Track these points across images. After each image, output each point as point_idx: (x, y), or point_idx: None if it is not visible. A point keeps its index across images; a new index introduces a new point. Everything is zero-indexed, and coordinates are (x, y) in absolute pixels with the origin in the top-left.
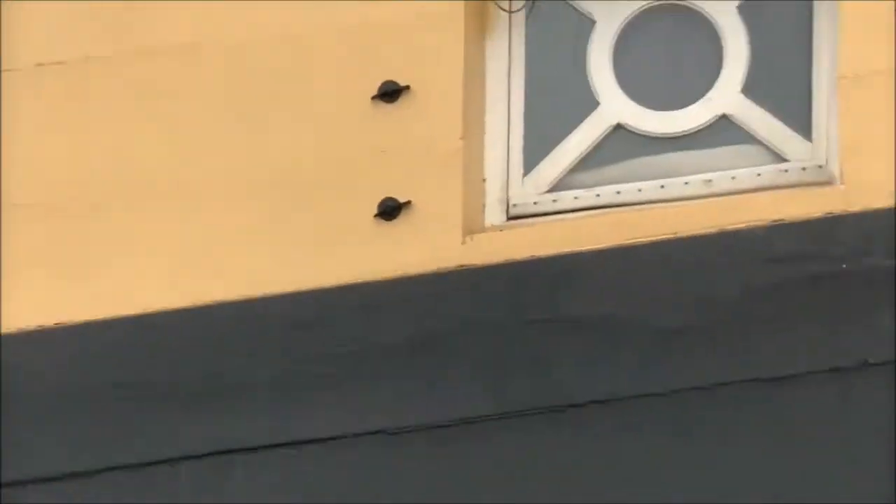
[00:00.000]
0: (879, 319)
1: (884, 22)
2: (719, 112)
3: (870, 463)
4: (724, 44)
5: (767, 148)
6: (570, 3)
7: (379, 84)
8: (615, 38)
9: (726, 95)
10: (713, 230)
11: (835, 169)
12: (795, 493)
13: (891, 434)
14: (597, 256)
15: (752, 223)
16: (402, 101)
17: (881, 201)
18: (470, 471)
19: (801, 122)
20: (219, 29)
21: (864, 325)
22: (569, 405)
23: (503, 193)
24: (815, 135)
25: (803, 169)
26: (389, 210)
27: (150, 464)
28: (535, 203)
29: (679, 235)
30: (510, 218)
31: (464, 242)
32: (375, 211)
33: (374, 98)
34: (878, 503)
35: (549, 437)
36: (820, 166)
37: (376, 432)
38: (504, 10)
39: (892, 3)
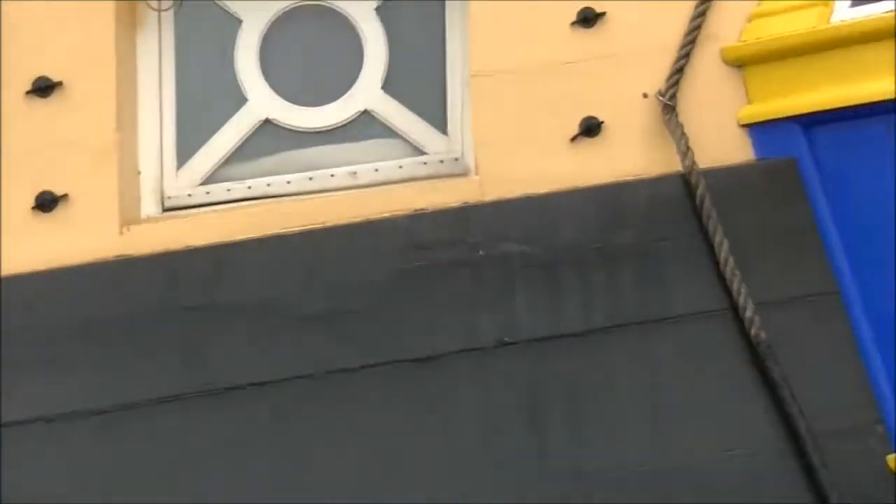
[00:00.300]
0: (514, 301)
1: (511, 23)
2: (361, 108)
3: (510, 434)
4: (364, 43)
5: (407, 141)
6: (217, 2)
7: (32, 79)
8: (261, 37)
9: (367, 92)
10: (359, 219)
11: (470, 161)
12: (442, 466)
13: (528, 409)
14: (250, 246)
15: (395, 212)
16: (56, 96)
17: (513, 191)
18: (133, 454)
19: (438, 117)
20: None
21: (500, 306)
22: (227, 388)
23: (158, 186)
24: (450, 129)
25: (441, 161)
26: (46, 203)
27: None
28: (189, 195)
29: (327, 225)
30: (165, 209)
31: (121, 233)
32: (33, 204)
33: (28, 93)
34: (518, 471)
35: (209, 420)
36: (456, 159)
37: (36, 420)
38: (153, 8)
39: (519, 4)
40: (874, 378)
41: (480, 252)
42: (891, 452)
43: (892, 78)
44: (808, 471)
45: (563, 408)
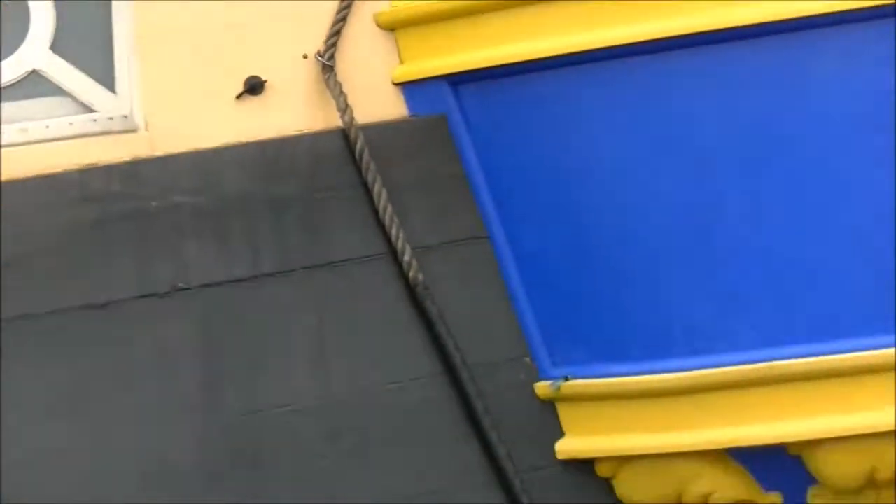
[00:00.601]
0: (186, 249)
1: None
2: (30, 67)
3: (186, 375)
4: (30, 4)
5: (77, 100)
6: None
7: None
8: None
9: (36, 52)
10: (31, 174)
11: (139, 118)
12: (123, 410)
13: (203, 351)
14: None
15: (66, 167)
16: None
17: (181, 146)
18: None
19: (107, 76)
20: None
21: (172, 254)
22: None
23: None
24: (119, 87)
25: (110, 118)
26: None
27: None
28: None
29: None
30: None
31: None
32: None
33: None
34: (195, 411)
35: None
36: (125, 116)
37: None
38: None
39: None
40: (521, 315)
41: (152, 203)
42: (537, 381)
43: (525, 41)
44: (465, 400)
45: (235, 349)
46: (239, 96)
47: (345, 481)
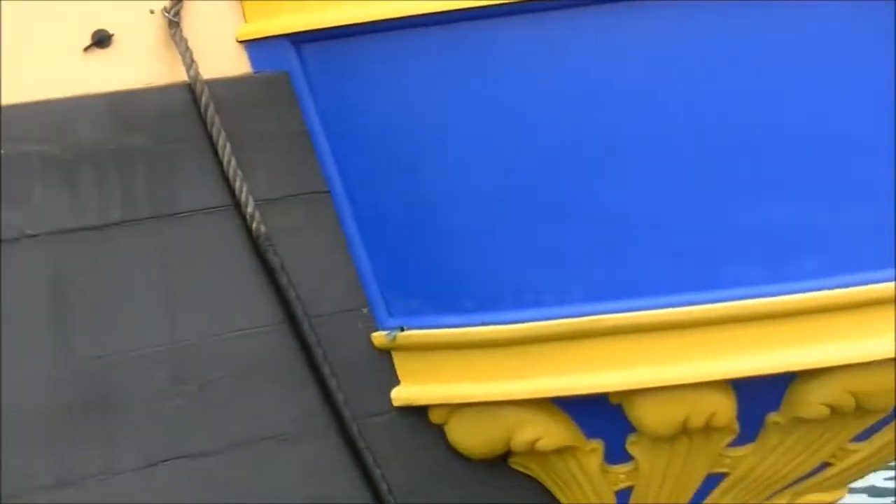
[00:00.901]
0: (35, 197)
1: None
2: None
3: (35, 324)
4: None
5: None
6: None
7: None
8: None
9: None
10: None
11: None
12: None
13: (51, 299)
14: None
15: None
16: None
17: (30, 96)
18: None
19: None
20: None
21: (22, 201)
22: None
23: None
24: None
25: None
26: None
27: None
28: None
29: None
30: None
31: None
32: None
33: None
34: (46, 360)
35: None
36: None
37: None
38: None
39: None
40: (359, 268)
41: (1, 151)
42: (374, 331)
43: (365, 4)
44: (305, 348)
45: (83, 295)
46: (86, 49)
47: (190, 424)
